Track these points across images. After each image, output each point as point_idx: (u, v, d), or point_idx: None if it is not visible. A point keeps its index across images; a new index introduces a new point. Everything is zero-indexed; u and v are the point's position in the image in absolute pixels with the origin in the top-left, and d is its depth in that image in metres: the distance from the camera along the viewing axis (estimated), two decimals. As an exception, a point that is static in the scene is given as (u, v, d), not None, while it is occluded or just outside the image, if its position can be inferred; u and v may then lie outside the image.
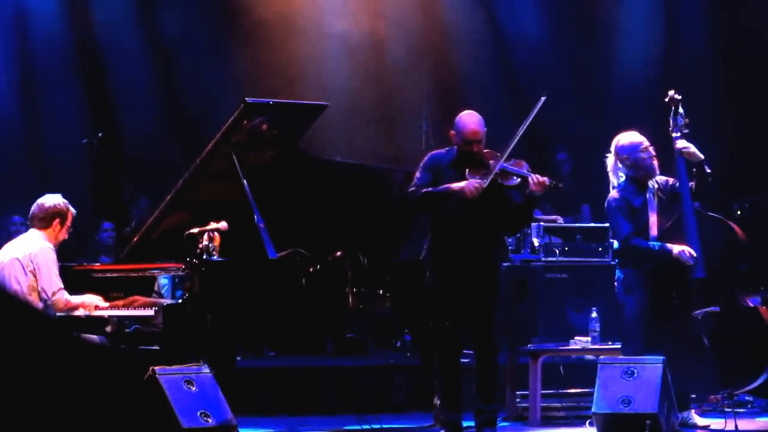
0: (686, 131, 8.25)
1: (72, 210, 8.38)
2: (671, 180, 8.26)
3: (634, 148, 8.27)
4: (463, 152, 8.00)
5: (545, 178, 7.86)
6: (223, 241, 7.98)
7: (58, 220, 8.28)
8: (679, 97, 8.30)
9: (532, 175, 7.86)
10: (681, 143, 8.16)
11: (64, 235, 8.35)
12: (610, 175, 8.42)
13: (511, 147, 7.95)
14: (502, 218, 8.06)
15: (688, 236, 8.06)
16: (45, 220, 8.28)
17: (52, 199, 8.34)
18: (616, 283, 8.33)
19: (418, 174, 8.05)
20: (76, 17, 13.19)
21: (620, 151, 8.32)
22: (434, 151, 8.19)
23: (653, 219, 8.19)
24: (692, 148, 8.15)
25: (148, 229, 8.41)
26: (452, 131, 8.06)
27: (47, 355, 3.13)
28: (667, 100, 8.33)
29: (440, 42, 13.17)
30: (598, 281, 9.73)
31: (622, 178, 8.33)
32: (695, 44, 12.84)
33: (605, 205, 8.35)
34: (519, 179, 7.87)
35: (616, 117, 12.51)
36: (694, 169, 8.14)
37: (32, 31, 13.14)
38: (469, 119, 8.05)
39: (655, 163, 8.25)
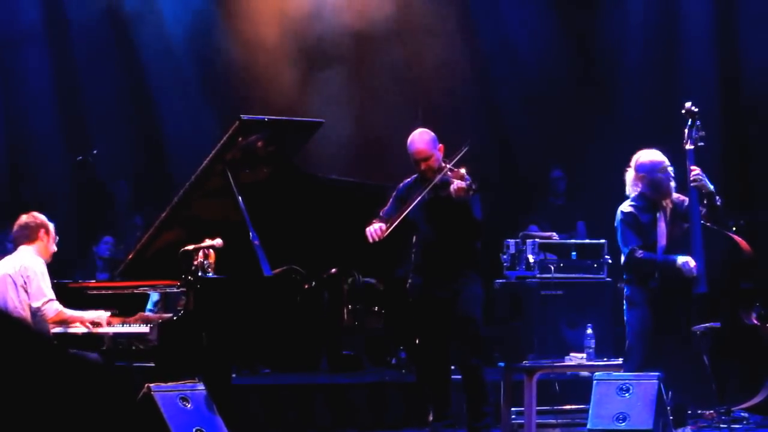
0: (701, 144, 8.16)
1: (50, 223, 8.32)
2: (686, 201, 8.21)
3: (653, 167, 8.20)
4: (420, 172, 8.07)
5: (462, 183, 7.79)
6: (218, 258, 7.98)
7: (43, 230, 8.21)
8: (696, 109, 8.21)
9: (454, 182, 7.81)
10: (694, 172, 8.11)
11: (53, 246, 8.27)
12: (627, 186, 8.35)
13: (432, 185, 7.95)
14: (460, 230, 8.08)
15: (693, 251, 8.04)
16: (30, 233, 8.19)
17: (30, 216, 8.29)
18: (624, 300, 8.36)
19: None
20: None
21: (639, 169, 8.24)
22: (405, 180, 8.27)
23: (662, 233, 8.17)
24: (703, 179, 8.10)
25: (143, 247, 8.40)
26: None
27: (40, 372, 3.12)
28: (683, 111, 8.24)
29: (428, 60, 13.18)
30: (593, 298, 9.73)
31: (636, 192, 8.29)
32: (693, 59, 12.83)
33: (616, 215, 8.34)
34: (446, 190, 7.87)
35: (612, 133, 12.54)
36: (705, 201, 8.12)
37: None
38: (415, 137, 8.11)
39: (673, 184, 8.18)
